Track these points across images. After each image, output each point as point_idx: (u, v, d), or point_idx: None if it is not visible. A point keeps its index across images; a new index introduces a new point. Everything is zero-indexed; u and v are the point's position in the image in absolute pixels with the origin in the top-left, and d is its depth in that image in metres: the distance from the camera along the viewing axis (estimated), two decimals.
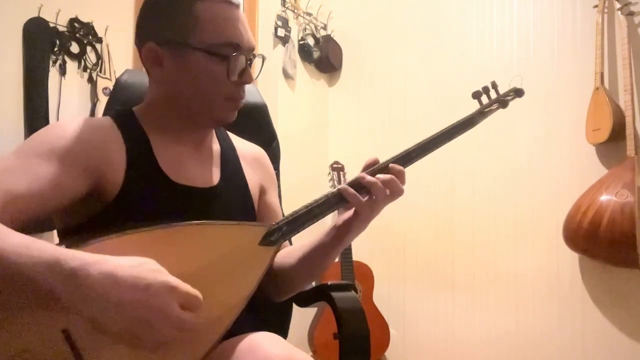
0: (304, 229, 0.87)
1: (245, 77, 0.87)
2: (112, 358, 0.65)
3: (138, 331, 0.61)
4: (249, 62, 0.88)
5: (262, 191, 1.04)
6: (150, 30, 0.86)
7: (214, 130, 0.98)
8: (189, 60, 0.83)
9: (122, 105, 0.99)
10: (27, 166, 0.72)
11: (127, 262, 0.63)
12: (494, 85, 1.00)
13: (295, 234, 0.87)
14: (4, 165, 0.72)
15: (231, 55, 0.83)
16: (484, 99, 1.01)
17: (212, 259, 0.76)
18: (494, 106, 1.00)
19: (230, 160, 0.98)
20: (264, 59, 0.93)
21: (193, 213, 0.79)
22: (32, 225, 0.66)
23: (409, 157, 0.91)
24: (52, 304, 0.61)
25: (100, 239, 0.69)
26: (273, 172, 1.09)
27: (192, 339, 0.68)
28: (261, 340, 0.73)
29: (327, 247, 0.92)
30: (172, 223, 0.74)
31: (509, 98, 1.02)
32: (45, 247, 0.62)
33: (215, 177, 0.93)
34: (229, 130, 1.05)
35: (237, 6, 0.86)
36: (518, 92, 1.04)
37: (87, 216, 0.79)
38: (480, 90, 1.00)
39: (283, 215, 1.17)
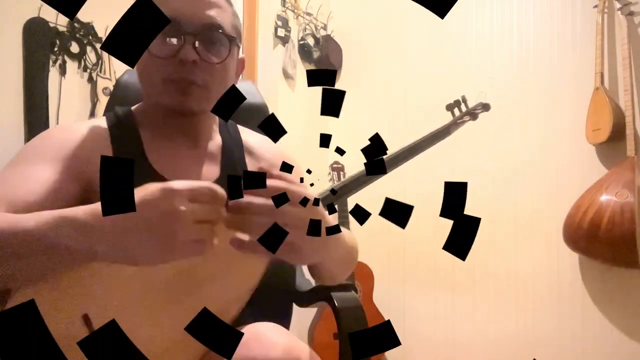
0: None
1: (180, 54, 0.77)
2: None
3: (159, 241, 0.57)
4: (194, 38, 0.79)
5: None
6: None
7: (213, 125, 0.95)
8: None
9: (123, 105, 0.99)
10: (24, 174, 0.72)
11: None
12: (464, 100, 1.14)
13: None
14: (3, 176, 0.73)
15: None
16: (457, 111, 1.14)
17: (217, 249, 0.76)
18: (466, 118, 1.13)
19: (232, 155, 0.95)
20: (230, 39, 0.83)
21: None
22: None
23: (395, 160, 0.96)
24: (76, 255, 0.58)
25: None
26: (280, 155, 0.98)
27: None
28: (265, 330, 0.72)
29: None
30: None
31: (478, 111, 1.15)
32: (50, 212, 0.59)
33: (214, 173, 0.91)
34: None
35: None
36: (485, 107, 1.17)
37: None
38: (453, 103, 1.13)
39: None
